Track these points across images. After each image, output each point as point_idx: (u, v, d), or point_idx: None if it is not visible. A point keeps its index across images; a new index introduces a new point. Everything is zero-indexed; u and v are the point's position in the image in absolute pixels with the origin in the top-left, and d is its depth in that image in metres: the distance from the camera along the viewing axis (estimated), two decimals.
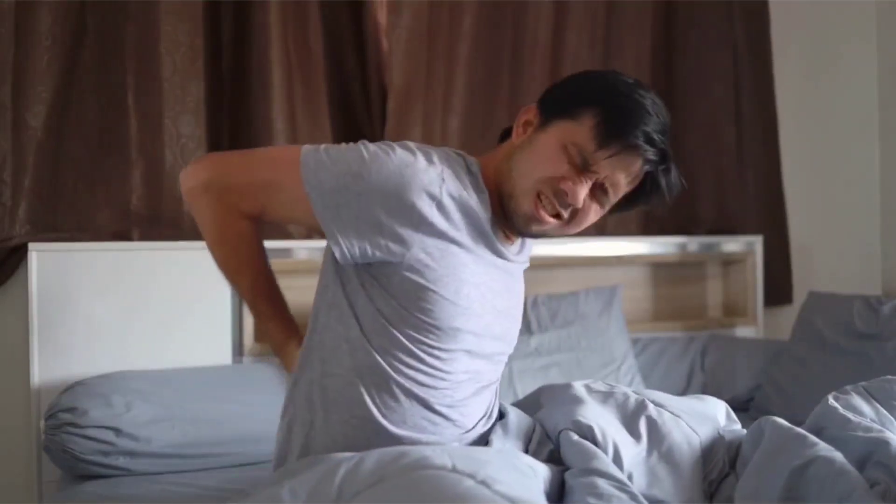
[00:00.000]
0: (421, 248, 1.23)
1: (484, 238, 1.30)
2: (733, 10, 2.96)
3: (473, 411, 1.35)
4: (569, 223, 1.30)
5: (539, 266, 2.69)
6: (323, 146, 1.27)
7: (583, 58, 2.76)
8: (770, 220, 3.02)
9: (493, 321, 1.34)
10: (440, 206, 1.23)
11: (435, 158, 1.26)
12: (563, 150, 1.26)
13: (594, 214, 1.31)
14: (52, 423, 1.84)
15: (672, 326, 2.87)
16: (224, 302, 2.22)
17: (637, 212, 2.85)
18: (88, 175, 2.17)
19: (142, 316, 2.12)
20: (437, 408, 1.29)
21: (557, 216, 1.29)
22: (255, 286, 1.41)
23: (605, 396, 1.41)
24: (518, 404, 1.56)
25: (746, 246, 2.94)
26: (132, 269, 2.13)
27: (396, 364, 1.26)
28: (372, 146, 1.25)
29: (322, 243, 2.29)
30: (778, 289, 3.03)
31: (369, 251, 1.23)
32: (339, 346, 1.28)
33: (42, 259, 2.04)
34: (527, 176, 1.28)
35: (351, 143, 1.27)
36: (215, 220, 1.35)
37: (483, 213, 1.29)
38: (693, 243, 2.89)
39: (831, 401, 1.29)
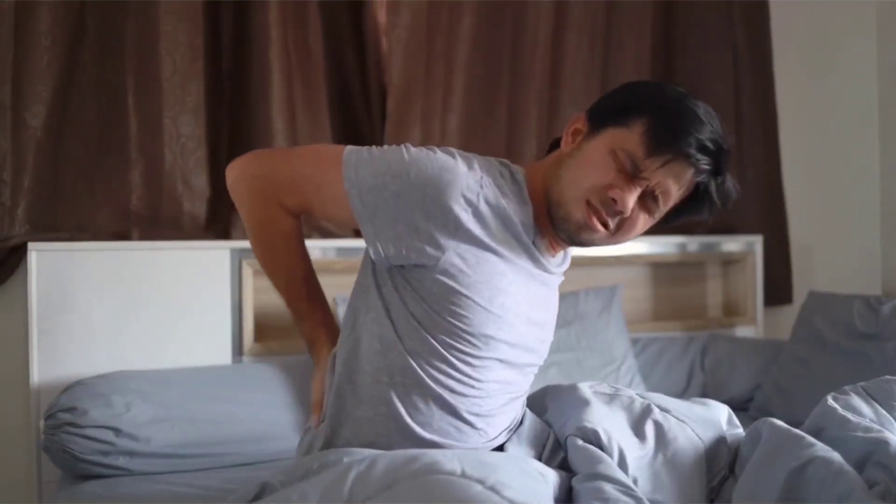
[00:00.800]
0: (456, 252, 1.22)
1: (523, 247, 1.29)
2: (733, 10, 2.96)
3: (500, 422, 1.34)
4: (616, 232, 1.28)
5: None
6: (367, 147, 1.27)
7: (583, 57, 2.76)
8: (770, 219, 3.02)
9: (527, 332, 1.33)
10: (476, 213, 1.22)
11: (476, 165, 1.25)
12: (613, 155, 1.24)
13: (643, 223, 1.30)
14: (52, 423, 1.84)
15: (672, 326, 2.87)
16: (224, 302, 2.22)
17: None
18: (88, 175, 2.17)
19: (141, 316, 2.12)
20: (465, 415, 1.28)
21: (605, 225, 1.27)
22: (292, 283, 1.40)
23: (611, 398, 1.41)
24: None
25: (746, 246, 2.94)
26: (132, 268, 2.13)
27: (428, 368, 1.25)
28: (414, 149, 1.25)
29: (352, 243, 2.33)
30: (778, 289, 3.03)
31: (404, 252, 1.22)
32: (372, 345, 1.28)
33: (42, 259, 2.04)
34: (575, 183, 1.26)
35: (394, 146, 1.26)
36: (258, 214, 1.35)
37: (523, 223, 1.27)
38: (693, 243, 2.89)
39: (831, 401, 1.29)
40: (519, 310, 1.29)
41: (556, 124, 2.73)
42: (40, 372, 2.03)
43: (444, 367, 1.26)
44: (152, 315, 2.14)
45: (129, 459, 1.84)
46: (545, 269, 1.34)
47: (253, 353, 2.25)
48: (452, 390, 1.26)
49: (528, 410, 1.45)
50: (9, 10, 2.06)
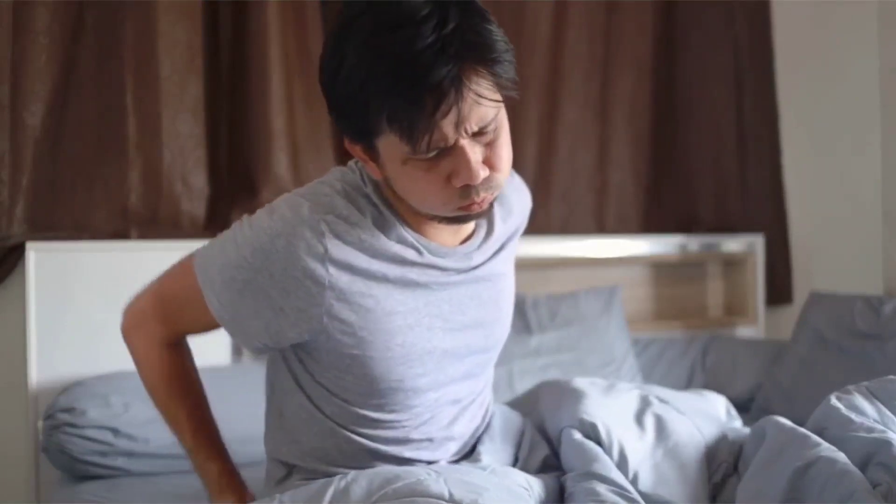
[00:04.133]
0: (331, 316, 1.09)
1: (408, 264, 1.13)
2: (735, 9, 2.96)
3: (459, 432, 1.28)
4: (490, 182, 1.07)
5: (539, 266, 2.69)
6: (212, 242, 1.17)
7: (583, 57, 2.75)
8: (771, 219, 3.01)
9: (454, 344, 1.20)
10: (333, 261, 1.07)
11: (305, 210, 1.07)
12: (412, 163, 1.03)
13: (501, 148, 1.10)
14: (51, 423, 1.83)
15: (673, 326, 2.87)
16: None
17: (637, 211, 2.85)
18: (86, 174, 2.17)
19: None
20: (411, 456, 1.22)
21: (482, 199, 1.08)
22: (197, 433, 1.32)
23: (608, 390, 1.39)
24: (515, 402, 1.54)
25: (747, 245, 2.93)
26: (131, 268, 2.12)
27: (357, 428, 1.20)
28: (244, 224, 1.12)
29: None
30: (779, 288, 3.02)
31: (282, 338, 1.13)
32: (297, 414, 1.23)
33: (40, 258, 2.04)
34: (427, 206, 1.08)
35: (234, 225, 1.15)
36: (145, 361, 1.30)
37: (391, 240, 1.12)
38: (694, 243, 2.88)
39: (833, 401, 1.28)
40: (429, 335, 1.17)
41: (556, 124, 2.72)
42: (39, 372, 2.02)
43: (369, 424, 1.19)
44: None
45: (127, 460, 1.84)
46: (445, 268, 1.17)
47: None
48: (386, 440, 1.21)
49: (498, 406, 1.41)
50: (7, 9, 2.05)
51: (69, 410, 1.83)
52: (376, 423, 1.20)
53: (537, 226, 2.52)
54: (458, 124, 1.00)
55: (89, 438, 1.81)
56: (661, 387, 1.45)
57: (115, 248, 2.13)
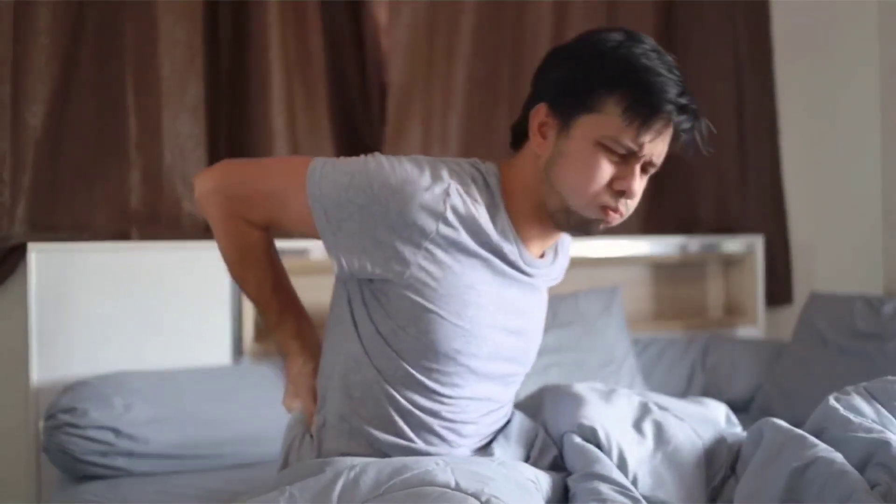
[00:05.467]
0: (421, 266, 1.19)
1: (497, 255, 1.24)
2: (735, 9, 2.96)
3: (477, 430, 1.31)
4: (629, 203, 1.26)
5: None
6: (332, 160, 1.24)
7: None
8: (771, 219, 3.01)
9: (503, 342, 1.29)
10: (445, 222, 1.18)
11: (444, 173, 1.20)
12: (601, 147, 1.19)
13: (642, 186, 1.26)
14: (52, 423, 1.84)
15: (673, 326, 2.87)
16: (224, 302, 2.22)
17: (637, 211, 2.84)
18: (87, 174, 2.17)
19: (141, 316, 2.12)
20: (438, 430, 1.26)
21: (618, 211, 1.25)
22: (261, 294, 1.38)
23: (608, 396, 1.40)
24: (519, 405, 1.55)
25: (747, 246, 2.93)
26: (131, 268, 2.13)
27: (397, 385, 1.24)
28: (379, 160, 1.21)
29: None
30: (779, 289, 3.02)
31: (369, 267, 1.20)
32: (344, 361, 1.27)
33: (41, 259, 2.04)
34: (579, 192, 1.22)
35: (361, 156, 1.23)
36: (224, 226, 1.33)
37: (499, 230, 1.23)
38: (694, 243, 2.88)
39: (832, 401, 1.29)
40: (493, 321, 1.25)
41: None
42: (40, 372, 2.02)
43: (412, 384, 1.24)
44: (152, 315, 2.13)
45: (128, 460, 1.84)
46: (526, 273, 1.29)
47: (253, 353, 2.25)
48: (422, 407, 1.25)
49: (515, 410, 1.43)
50: (7, 9, 2.06)
51: (70, 411, 1.83)
52: (419, 387, 1.24)
53: None
54: (654, 145, 1.20)
55: (90, 439, 1.81)
56: (661, 394, 1.46)
57: (115, 249, 2.13)
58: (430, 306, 1.20)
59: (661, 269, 2.93)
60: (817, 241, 3.03)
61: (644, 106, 1.16)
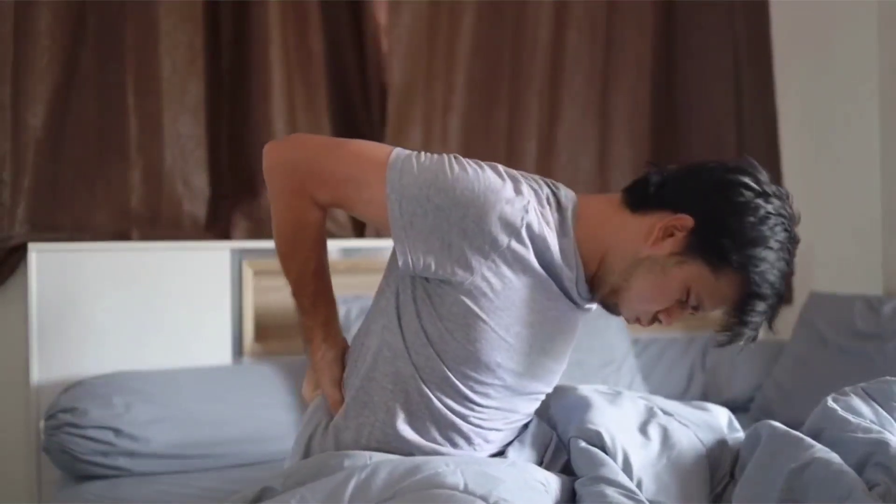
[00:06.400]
0: (484, 277, 1.19)
1: (556, 280, 1.25)
2: (734, 9, 2.96)
3: (499, 438, 1.33)
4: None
5: None
6: (416, 152, 1.23)
7: (583, 57, 2.76)
8: None
9: (538, 362, 1.30)
10: (518, 238, 1.19)
11: (524, 188, 1.21)
12: (685, 289, 1.24)
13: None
14: (52, 423, 1.84)
15: (672, 327, 2.86)
16: (224, 302, 2.22)
17: None
18: (88, 175, 2.17)
19: (141, 316, 2.12)
20: (464, 430, 1.27)
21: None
22: (303, 276, 1.35)
23: (613, 399, 1.40)
24: None
25: None
26: (132, 269, 2.13)
27: (431, 385, 1.24)
28: (462, 163, 1.21)
29: (356, 244, 2.32)
30: None
31: (433, 267, 1.19)
32: (381, 352, 1.26)
33: (42, 259, 2.04)
34: (634, 302, 1.27)
35: (444, 155, 1.22)
36: (286, 200, 1.30)
37: (563, 255, 1.24)
38: None
39: (831, 402, 1.29)
40: (534, 340, 1.26)
41: (556, 124, 2.73)
42: (40, 372, 2.03)
43: (446, 387, 1.24)
44: (152, 315, 2.13)
45: (128, 460, 1.84)
46: (576, 303, 1.31)
47: (253, 353, 2.25)
48: (452, 409, 1.25)
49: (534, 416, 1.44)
50: (8, 10, 2.06)
51: (71, 410, 1.84)
52: (452, 391, 1.24)
53: None
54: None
55: (91, 438, 1.82)
56: (662, 396, 1.46)
57: (116, 249, 2.14)
58: (484, 316, 1.20)
59: None
60: (817, 240, 3.03)
61: (751, 312, 1.21)
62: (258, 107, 2.32)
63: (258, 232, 2.29)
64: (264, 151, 1.32)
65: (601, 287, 1.29)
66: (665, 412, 1.39)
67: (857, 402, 1.28)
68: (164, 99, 2.22)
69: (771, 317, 1.24)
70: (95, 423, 1.82)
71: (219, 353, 2.21)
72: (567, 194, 1.28)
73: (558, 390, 1.48)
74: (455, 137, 2.58)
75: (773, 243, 1.20)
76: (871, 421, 1.24)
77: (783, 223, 1.22)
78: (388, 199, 1.19)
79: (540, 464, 1.34)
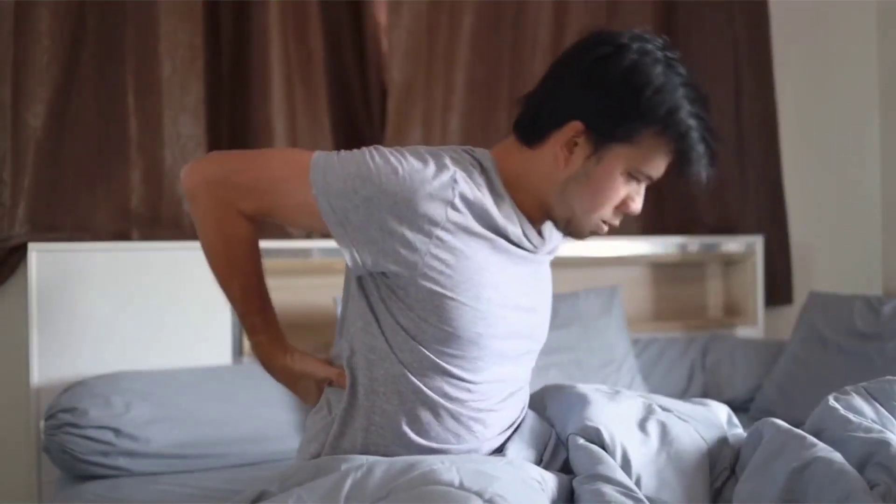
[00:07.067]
0: (434, 255, 1.19)
1: (501, 235, 1.26)
2: (734, 9, 2.96)
3: (499, 420, 1.32)
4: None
5: None
6: (334, 152, 1.24)
7: None
8: (770, 219, 3.02)
9: (518, 319, 1.31)
10: (454, 207, 1.20)
11: (447, 161, 1.22)
12: (627, 176, 1.25)
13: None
14: (52, 423, 1.84)
15: (672, 326, 2.87)
16: (224, 302, 2.21)
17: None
18: (88, 175, 2.17)
19: (141, 316, 2.12)
20: (464, 420, 1.27)
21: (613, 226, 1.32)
22: (248, 293, 1.36)
23: (612, 397, 1.40)
24: None
25: (747, 246, 2.93)
26: (132, 269, 2.13)
27: (423, 377, 1.24)
28: (382, 152, 1.21)
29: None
30: (778, 289, 3.02)
31: (381, 259, 1.20)
32: (365, 356, 1.27)
33: (42, 259, 2.04)
34: (592, 212, 1.27)
35: (363, 149, 1.22)
36: (215, 219, 1.30)
37: (500, 212, 1.25)
38: (693, 243, 2.88)
39: (831, 401, 1.29)
40: (506, 300, 1.27)
41: None
42: (40, 372, 2.03)
43: (437, 374, 1.24)
44: (152, 315, 2.13)
45: (128, 460, 1.84)
46: (532, 252, 1.32)
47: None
48: (449, 396, 1.25)
49: (529, 410, 1.44)
50: (8, 10, 2.06)
51: (71, 410, 1.84)
52: (444, 375, 1.25)
53: None
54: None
55: (91, 438, 1.82)
56: (662, 395, 1.46)
57: (116, 249, 2.13)
58: (449, 294, 1.21)
59: (660, 269, 2.93)
60: (817, 241, 3.03)
61: (687, 151, 1.23)
62: (258, 107, 2.32)
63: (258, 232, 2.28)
64: (183, 174, 1.31)
65: (558, 225, 1.32)
66: (664, 408, 1.38)
67: (859, 402, 1.28)
68: (164, 99, 2.22)
69: (709, 140, 1.26)
70: (95, 423, 1.82)
71: (219, 353, 2.21)
72: (483, 154, 1.30)
73: (557, 389, 1.48)
74: (455, 137, 2.58)
75: (654, 78, 1.23)
76: (873, 420, 1.24)
77: (652, 56, 1.26)
78: (317, 199, 1.20)
79: (539, 462, 1.33)
